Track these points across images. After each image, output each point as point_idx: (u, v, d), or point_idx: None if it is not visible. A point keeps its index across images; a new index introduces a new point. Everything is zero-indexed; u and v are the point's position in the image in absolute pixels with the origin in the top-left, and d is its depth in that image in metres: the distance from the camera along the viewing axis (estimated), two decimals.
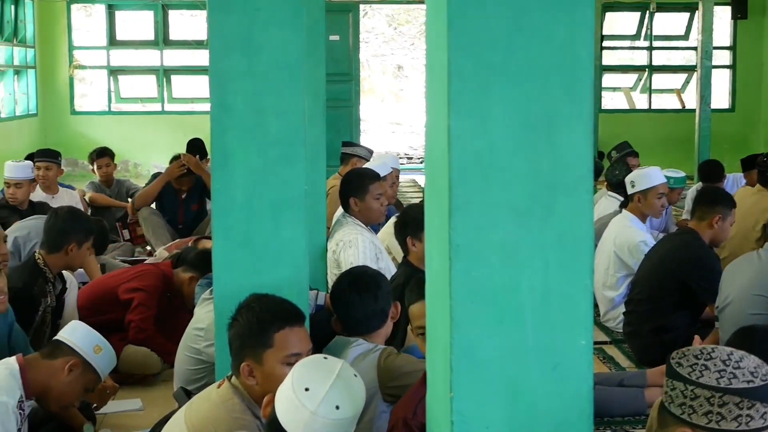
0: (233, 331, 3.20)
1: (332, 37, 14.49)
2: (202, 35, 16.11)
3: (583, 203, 1.99)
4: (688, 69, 17.43)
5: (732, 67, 16.95)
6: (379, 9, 25.28)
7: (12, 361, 3.70)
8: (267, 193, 3.54)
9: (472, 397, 1.97)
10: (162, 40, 16.05)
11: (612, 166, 8.24)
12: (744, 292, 4.80)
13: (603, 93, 17.18)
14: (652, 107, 17.27)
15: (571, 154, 1.97)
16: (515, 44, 1.93)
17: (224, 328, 3.30)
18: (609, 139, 13.20)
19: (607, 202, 7.65)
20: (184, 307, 5.48)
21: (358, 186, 5.74)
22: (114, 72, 16.29)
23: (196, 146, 9.54)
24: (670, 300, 5.52)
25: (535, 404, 1.99)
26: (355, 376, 2.64)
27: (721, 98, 16.62)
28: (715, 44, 14.07)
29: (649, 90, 17.19)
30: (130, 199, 8.99)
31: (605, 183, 8.09)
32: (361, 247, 5.44)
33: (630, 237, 6.34)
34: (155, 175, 8.75)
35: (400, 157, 18.61)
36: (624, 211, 6.66)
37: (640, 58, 17.81)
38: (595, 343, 5.66)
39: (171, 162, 8.69)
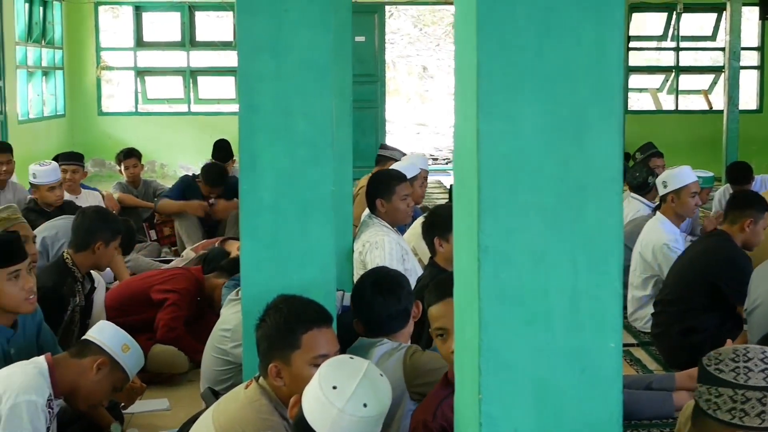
0: (261, 332, 3.21)
1: (358, 39, 14.51)
2: (229, 36, 16.18)
3: (612, 205, 1.98)
4: (716, 70, 17.33)
5: (760, 67, 16.84)
6: (405, 10, 25.27)
7: (41, 360, 3.73)
8: (295, 194, 3.54)
9: (501, 400, 1.96)
10: (188, 41, 16.11)
11: (633, 168, 8.19)
12: None
13: (629, 94, 17.12)
14: (679, 108, 17.18)
15: (601, 156, 1.96)
16: (545, 46, 1.93)
17: (252, 329, 3.31)
18: (635, 140, 13.10)
19: (631, 203, 7.62)
20: (211, 309, 5.50)
21: (385, 187, 5.74)
22: (141, 73, 16.36)
23: (221, 147, 9.58)
24: (699, 301, 5.49)
25: (563, 407, 1.98)
26: (381, 376, 2.64)
27: (748, 99, 16.52)
28: (742, 45, 14.00)
29: (676, 91, 17.10)
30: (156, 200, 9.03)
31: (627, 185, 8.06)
32: (387, 248, 5.44)
33: (656, 239, 6.31)
34: (183, 178, 8.69)
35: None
36: (657, 213, 6.62)
37: (667, 59, 17.71)
38: (623, 345, 5.63)
39: (201, 171, 8.63)
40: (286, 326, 3.14)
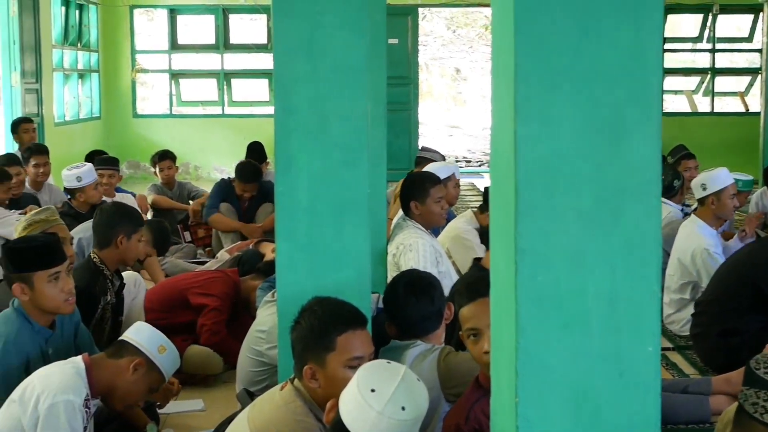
0: (296, 334, 3.22)
1: (391, 41, 14.50)
2: (262, 39, 16.25)
3: (650, 208, 1.96)
4: (752, 71, 17.18)
5: None
6: (438, 12, 25.25)
7: (78, 360, 3.76)
8: (330, 196, 3.56)
9: (538, 403, 1.96)
10: (222, 44, 16.18)
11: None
12: None
13: (664, 96, 17.01)
14: (715, 110, 17.05)
15: (639, 159, 1.95)
16: (582, 48, 1.92)
17: (287, 331, 3.32)
18: (670, 142, 12.99)
19: (663, 207, 7.55)
20: (247, 311, 5.53)
21: (419, 189, 5.73)
22: (175, 75, 16.46)
23: (255, 150, 9.60)
24: (741, 303, 5.42)
25: (600, 411, 1.98)
26: (418, 380, 2.65)
27: None
28: None
29: (712, 93, 16.97)
30: (191, 202, 9.07)
31: None
32: (422, 251, 5.43)
33: (696, 244, 6.24)
34: (219, 183, 8.66)
35: (458, 161, 18.60)
36: (692, 216, 6.56)
37: (702, 61, 17.59)
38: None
39: (236, 169, 8.61)
40: (321, 328, 3.15)
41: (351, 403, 2.55)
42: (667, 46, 16.40)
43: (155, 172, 9.42)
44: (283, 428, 3.08)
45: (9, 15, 12.32)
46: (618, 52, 1.93)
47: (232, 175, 8.70)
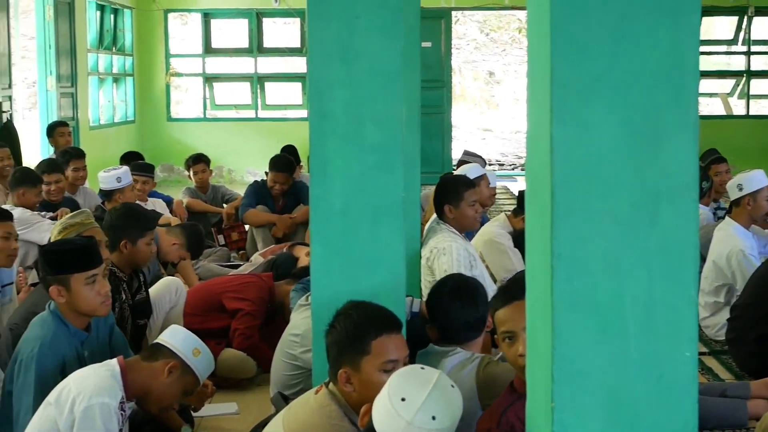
0: (331, 338, 3.22)
1: (424, 44, 14.47)
2: (296, 43, 16.29)
3: (688, 212, 1.95)
4: None
5: None
6: (471, 15, 25.21)
7: (113, 363, 3.78)
8: (365, 200, 3.56)
9: (574, 408, 1.95)
10: (256, 47, 16.24)
11: None
12: None
13: (699, 99, 16.87)
14: (750, 113, 16.90)
15: (676, 162, 1.94)
16: (619, 51, 1.91)
17: (321, 334, 3.32)
18: (705, 145, 12.94)
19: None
20: (281, 315, 5.53)
21: (453, 193, 5.70)
22: (209, 79, 16.54)
23: (288, 153, 9.62)
24: None
25: (637, 416, 1.97)
26: (453, 386, 2.63)
27: None
28: None
29: (747, 95, 16.82)
30: (225, 205, 9.10)
31: None
32: (455, 254, 5.41)
33: (732, 245, 6.19)
34: (254, 185, 8.68)
35: (491, 164, 18.53)
36: (727, 218, 6.51)
37: (737, 63, 17.44)
38: None
39: (270, 161, 8.58)
40: (356, 332, 3.14)
41: (382, 411, 2.54)
42: (701, 48, 16.24)
43: (189, 176, 9.46)
44: None
45: (45, 19, 12.44)
46: (655, 55, 1.92)
47: (266, 177, 8.73)
